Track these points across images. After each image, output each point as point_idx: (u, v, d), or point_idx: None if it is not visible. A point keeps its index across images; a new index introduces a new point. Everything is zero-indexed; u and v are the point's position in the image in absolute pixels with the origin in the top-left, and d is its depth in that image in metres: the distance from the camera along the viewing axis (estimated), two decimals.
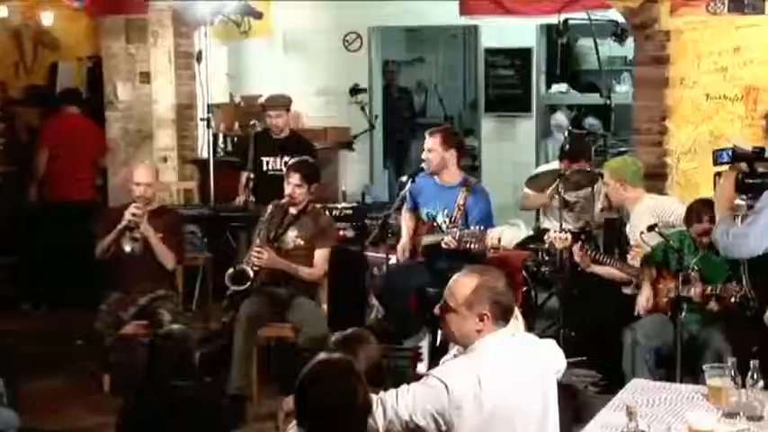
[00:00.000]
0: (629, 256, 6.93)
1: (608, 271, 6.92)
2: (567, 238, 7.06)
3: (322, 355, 3.35)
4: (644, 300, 6.47)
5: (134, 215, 7.01)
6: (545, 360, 3.96)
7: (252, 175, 8.63)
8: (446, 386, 3.62)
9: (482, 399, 3.64)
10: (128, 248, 7.09)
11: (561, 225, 7.38)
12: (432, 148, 6.98)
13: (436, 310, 3.79)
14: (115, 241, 7.12)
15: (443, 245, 6.65)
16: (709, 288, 6.07)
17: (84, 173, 9.49)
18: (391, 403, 3.64)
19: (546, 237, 7.31)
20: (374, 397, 3.64)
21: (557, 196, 7.59)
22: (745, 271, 6.08)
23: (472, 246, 6.43)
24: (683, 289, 6.15)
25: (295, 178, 6.99)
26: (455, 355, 3.93)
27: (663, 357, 6.21)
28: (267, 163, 8.55)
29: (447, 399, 3.60)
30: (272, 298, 6.94)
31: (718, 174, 4.95)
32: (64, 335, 7.92)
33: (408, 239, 7.18)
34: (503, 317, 3.79)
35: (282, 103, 8.67)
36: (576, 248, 6.92)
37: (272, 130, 8.61)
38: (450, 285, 3.82)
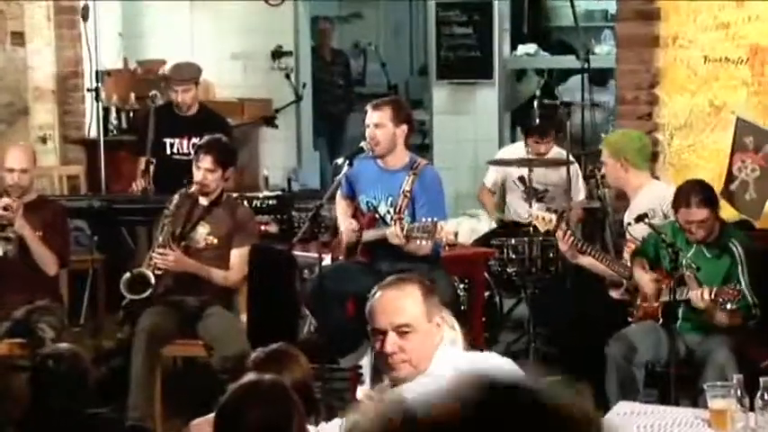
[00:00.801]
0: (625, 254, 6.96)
1: (596, 265, 6.94)
2: (551, 220, 7.03)
3: (249, 377, 3.34)
4: (651, 278, 6.44)
5: (6, 209, 6.93)
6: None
7: (152, 160, 8.57)
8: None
9: None
10: (0, 251, 7.01)
11: (530, 203, 7.43)
12: (380, 122, 6.92)
13: (389, 347, 3.76)
14: None
15: (390, 240, 6.64)
16: (704, 291, 6.07)
17: None
18: None
19: (527, 216, 7.33)
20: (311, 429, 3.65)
21: (519, 183, 7.65)
22: (744, 273, 6.14)
23: (422, 241, 6.43)
24: (677, 292, 6.17)
25: (206, 162, 6.95)
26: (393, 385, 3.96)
27: (655, 374, 6.26)
28: (171, 145, 8.50)
29: None
30: (179, 308, 6.91)
31: None
32: None
33: (348, 222, 7.15)
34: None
35: (190, 74, 8.64)
36: (559, 234, 6.89)
37: (179, 110, 8.56)
38: (387, 308, 3.82)
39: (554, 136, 8.34)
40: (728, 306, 5.95)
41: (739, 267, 6.15)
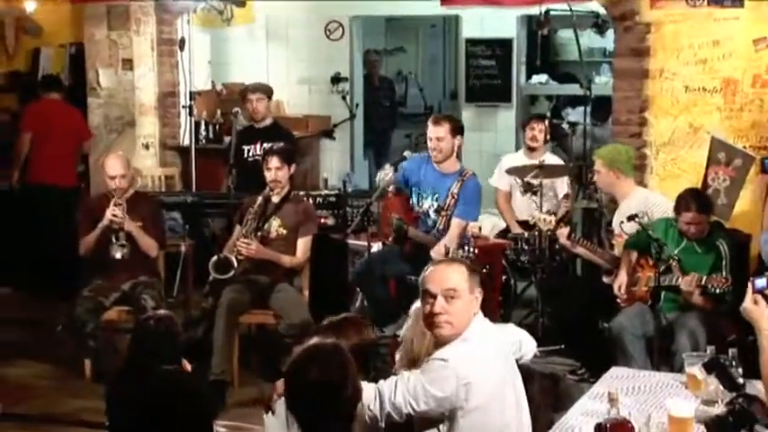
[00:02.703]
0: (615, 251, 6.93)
1: (588, 254, 6.95)
2: (551, 221, 7.09)
3: (314, 340, 3.33)
4: (619, 285, 6.46)
5: (115, 216, 6.95)
6: (511, 345, 4.05)
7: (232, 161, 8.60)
8: (448, 363, 3.64)
9: (484, 377, 3.67)
10: (117, 255, 6.98)
11: (541, 205, 7.39)
12: (442, 136, 6.96)
13: (437, 308, 3.76)
14: (99, 241, 7.06)
15: (432, 253, 6.66)
16: (694, 278, 6.04)
17: (65, 158, 9.40)
18: (389, 395, 3.64)
19: (530, 218, 7.32)
20: (372, 387, 3.64)
21: (519, 180, 7.62)
22: (727, 266, 6.10)
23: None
24: (663, 278, 6.16)
25: (274, 161, 6.98)
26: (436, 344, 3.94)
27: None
28: (248, 150, 8.51)
29: (453, 376, 3.63)
30: (254, 285, 6.92)
31: None
32: (45, 321, 7.85)
33: (389, 194, 7.17)
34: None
35: (263, 88, 8.65)
36: (559, 231, 6.99)
37: (254, 119, 8.57)
38: (439, 276, 3.83)
39: (546, 130, 8.30)
40: (716, 291, 5.93)
41: (723, 261, 6.12)
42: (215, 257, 6.89)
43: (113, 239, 6.97)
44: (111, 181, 7.05)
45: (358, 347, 3.85)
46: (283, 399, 3.29)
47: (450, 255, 6.48)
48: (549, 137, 8.37)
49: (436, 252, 6.64)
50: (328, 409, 3.11)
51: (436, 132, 6.97)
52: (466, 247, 6.61)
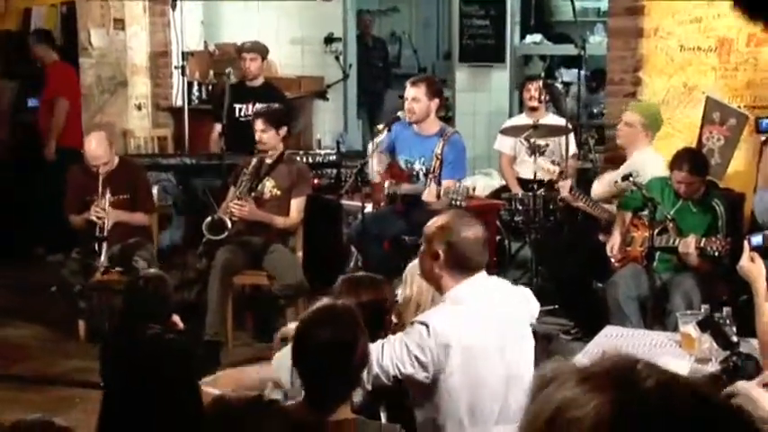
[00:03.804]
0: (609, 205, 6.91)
1: (586, 208, 6.96)
2: (554, 171, 7.08)
3: (326, 300, 3.32)
4: (612, 245, 6.45)
5: (99, 218, 6.91)
6: (520, 306, 3.97)
7: (224, 121, 8.56)
8: (427, 326, 3.63)
9: (465, 340, 3.65)
10: (102, 259, 6.89)
11: (535, 157, 7.34)
12: (416, 96, 6.91)
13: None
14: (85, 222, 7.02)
15: (424, 197, 6.62)
16: (693, 240, 6.01)
17: (77, 119, 9.33)
18: (376, 358, 3.62)
19: (535, 165, 7.28)
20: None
21: (526, 142, 7.58)
22: (723, 226, 6.09)
23: (455, 202, 6.39)
24: (658, 239, 6.14)
25: (258, 124, 6.99)
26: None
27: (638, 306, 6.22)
28: (240, 110, 8.48)
29: (432, 339, 3.62)
30: (248, 246, 6.92)
31: (766, 141, 4.89)
32: (39, 283, 7.85)
33: (378, 176, 7.14)
34: (458, 265, 3.79)
35: (258, 48, 8.61)
36: (561, 183, 6.99)
37: (246, 78, 8.53)
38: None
39: (545, 91, 8.26)
40: (715, 253, 5.90)
41: (720, 222, 6.11)
42: (209, 218, 6.87)
43: (96, 247, 6.89)
44: (93, 160, 7.00)
45: (374, 305, 3.84)
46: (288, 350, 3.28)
47: (441, 193, 6.45)
48: (546, 96, 8.31)
49: (428, 195, 6.60)
50: (334, 370, 3.10)
51: (412, 93, 6.93)
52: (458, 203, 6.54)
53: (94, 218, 6.89)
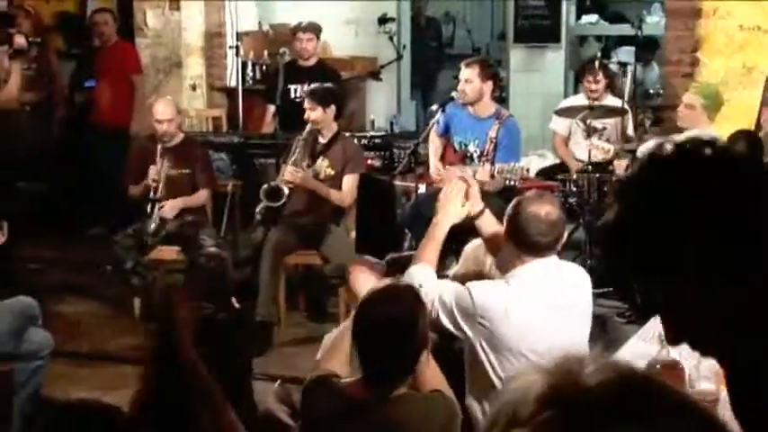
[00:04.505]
0: None
1: None
2: (609, 150, 7.01)
3: (389, 280, 3.33)
4: None
5: (154, 181, 6.99)
6: (579, 288, 3.94)
7: (278, 102, 8.57)
8: (470, 292, 3.64)
9: (508, 320, 3.63)
10: (152, 228, 6.99)
11: (589, 134, 7.25)
12: (469, 78, 6.87)
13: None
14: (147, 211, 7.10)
15: (478, 177, 6.57)
16: None
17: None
18: (437, 295, 3.67)
19: (588, 144, 7.21)
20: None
21: (582, 123, 7.49)
22: None
23: (510, 181, 6.34)
24: None
25: (306, 102, 7.00)
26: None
27: None
28: (294, 90, 8.47)
29: (471, 304, 3.62)
30: (300, 226, 6.91)
31: None
32: (95, 261, 7.91)
33: (437, 161, 7.11)
34: (521, 242, 3.76)
35: (313, 27, 8.59)
36: (617, 162, 6.92)
37: (300, 58, 8.52)
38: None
39: (604, 77, 8.15)
40: None
41: None
42: (265, 185, 6.89)
43: (148, 209, 6.99)
44: (158, 125, 7.06)
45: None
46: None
47: (496, 172, 6.41)
48: (605, 80, 8.20)
49: (481, 174, 6.55)
50: (392, 349, 3.10)
51: (465, 74, 6.90)
52: (513, 182, 6.50)
53: (150, 181, 6.95)
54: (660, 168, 1.51)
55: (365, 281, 3.77)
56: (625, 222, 1.52)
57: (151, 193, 7.01)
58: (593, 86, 8.04)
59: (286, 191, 6.81)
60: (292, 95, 8.45)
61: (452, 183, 4.13)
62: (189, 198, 7.17)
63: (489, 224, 4.10)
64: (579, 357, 1.08)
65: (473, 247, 4.16)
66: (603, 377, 1.04)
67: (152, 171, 7.01)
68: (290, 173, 6.83)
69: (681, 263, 1.45)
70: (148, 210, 7.02)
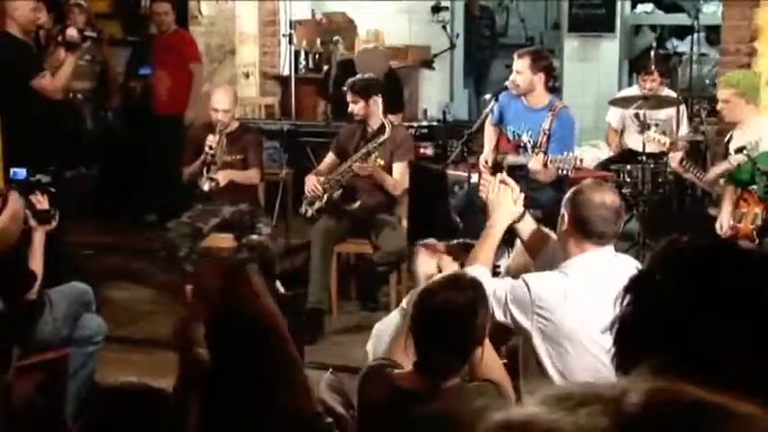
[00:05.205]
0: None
1: (695, 180, 6.85)
2: (665, 142, 6.96)
3: (455, 269, 3.34)
4: (724, 219, 6.26)
5: (211, 148, 6.99)
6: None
7: (330, 94, 8.53)
8: (526, 283, 3.61)
9: (566, 310, 3.60)
10: (205, 188, 7.03)
11: (643, 129, 7.19)
12: (520, 70, 6.81)
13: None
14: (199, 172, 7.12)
15: (531, 166, 6.53)
16: None
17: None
18: (492, 289, 3.65)
19: (645, 136, 7.15)
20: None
21: (636, 119, 7.42)
22: None
23: (563, 171, 6.29)
24: None
25: (348, 96, 7.00)
26: None
27: None
28: None
29: (528, 294, 3.59)
30: (352, 215, 6.91)
31: None
32: (149, 248, 7.96)
33: (491, 150, 7.09)
34: (581, 230, 3.72)
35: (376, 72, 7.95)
36: (672, 154, 6.87)
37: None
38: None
39: (659, 74, 8.06)
40: None
41: None
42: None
43: (204, 171, 7.02)
44: (215, 114, 7.08)
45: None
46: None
47: (548, 161, 6.36)
48: (663, 74, 8.11)
49: (534, 163, 6.50)
50: (448, 339, 3.08)
51: (516, 65, 6.84)
52: (566, 172, 6.44)
53: (207, 148, 6.98)
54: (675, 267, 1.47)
55: (427, 264, 3.75)
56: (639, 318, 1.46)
57: (208, 157, 7.01)
58: (649, 84, 7.94)
59: (360, 193, 6.86)
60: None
61: (495, 186, 4.10)
62: (241, 173, 7.16)
63: (529, 226, 4.08)
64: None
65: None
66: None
67: (210, 138, 7.00)
68: (359, 168, 6.84)
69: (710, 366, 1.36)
70: (204, 171, 7.03)
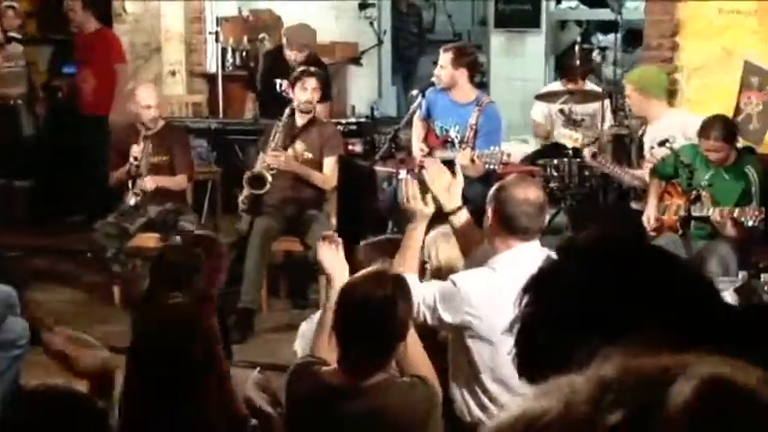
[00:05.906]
0: (640, 171, 6.84)
1: (619, 175, 6.91)
2: (577, 138, 7.04)
3: (377, 265, 3.33)
4: (651, 212, 6.35)
5: (135, 159, 6.93)
6: None
7: (259, 88, 8.46)
8: (454, 283, 3.62)
9: (495, 306, 3.61)
10: (131, 203, 6.96)
11: (568, 123, 7.27)
12: (443, 64, 6.84)
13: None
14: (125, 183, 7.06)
15: (458, 162, 6.54)
16: (727, 211, 5.91)
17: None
18: (422, 298, 3.64)
19: (556, 133, 7.23)
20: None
21: (561, 114, 7.49)
22: (757, 193, 5.98)
23: (490, 166, 6.32)
24: (692, 208, 6.04)
25: (311, 82, 6.91)
26: None
27: None
28: (280, 84, 8.25)
29: (457, 294, 3.59)
30: (284, 213, 6.90)
31: None
32: (75, 249, 7.86)
33: (419, 144, 7.09)
34: (505, 226, 3.73)
35: (306, 39, 8.18)
36: (586, 152, 6.96)
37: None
38: None
39: (581, 73, 8.16)
40: (750, 223, 5.79)
41: (753, 188, 6.01)
42: (248, 173, 6.84)
43: (130, 184, 6.94)
44: (144, 111, 6.99)
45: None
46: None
47: (475, 157, 6.38)
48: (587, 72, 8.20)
49: (462, 158, 6.52)
50: (370, 334, 3.08)
51: (440, 60, 6.87)
52: (493, 167, 6.47)
53: (131, 158, 6.92)
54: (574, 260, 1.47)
55: (332, 257, 3.73)
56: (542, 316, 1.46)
57: (132, 169, 6.94)
58: (571, 85, 8.03)
59: (269, 177, 6.77)
60: (278, 89, 8.23)
61: (436, 170, 4.09)
62: (168, 179, 7.11)
63: (464, 220, 4.08)
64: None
65: (434, 237, 4.15)
66: None
67: (134, 149, 6.93)
68: (272, 157, 6.80)
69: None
70: (129, 185, 6.96)
